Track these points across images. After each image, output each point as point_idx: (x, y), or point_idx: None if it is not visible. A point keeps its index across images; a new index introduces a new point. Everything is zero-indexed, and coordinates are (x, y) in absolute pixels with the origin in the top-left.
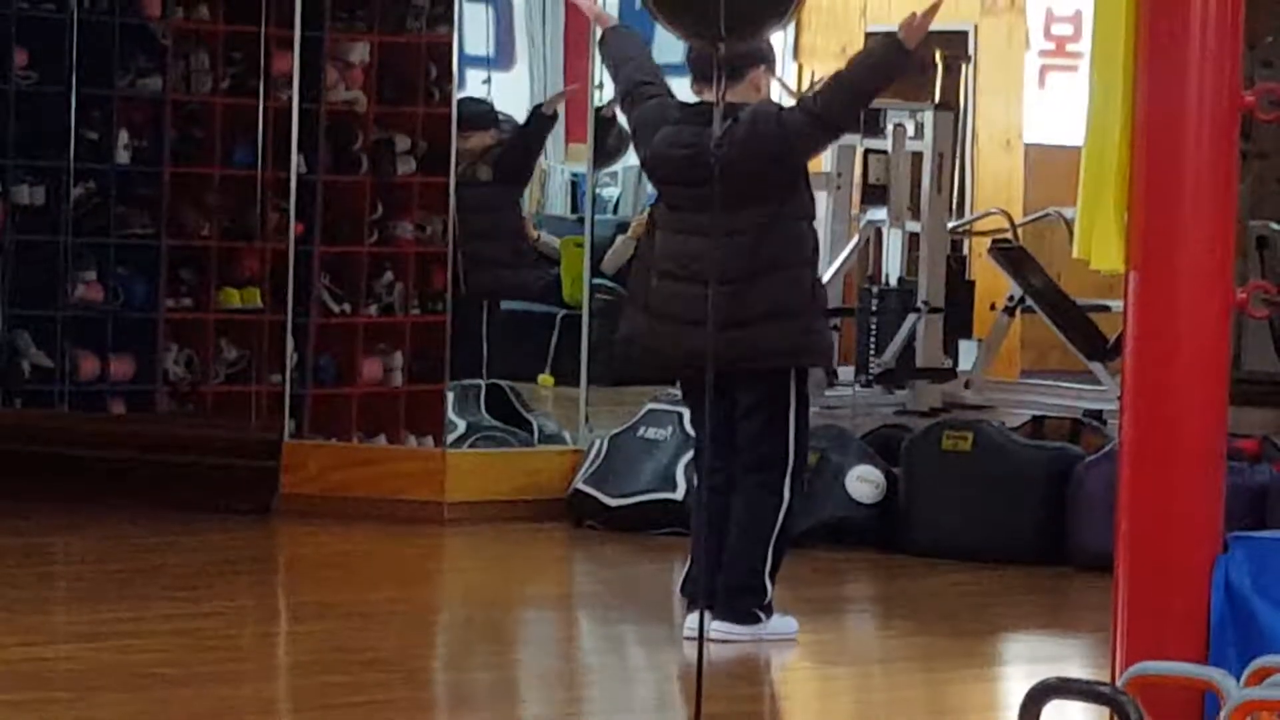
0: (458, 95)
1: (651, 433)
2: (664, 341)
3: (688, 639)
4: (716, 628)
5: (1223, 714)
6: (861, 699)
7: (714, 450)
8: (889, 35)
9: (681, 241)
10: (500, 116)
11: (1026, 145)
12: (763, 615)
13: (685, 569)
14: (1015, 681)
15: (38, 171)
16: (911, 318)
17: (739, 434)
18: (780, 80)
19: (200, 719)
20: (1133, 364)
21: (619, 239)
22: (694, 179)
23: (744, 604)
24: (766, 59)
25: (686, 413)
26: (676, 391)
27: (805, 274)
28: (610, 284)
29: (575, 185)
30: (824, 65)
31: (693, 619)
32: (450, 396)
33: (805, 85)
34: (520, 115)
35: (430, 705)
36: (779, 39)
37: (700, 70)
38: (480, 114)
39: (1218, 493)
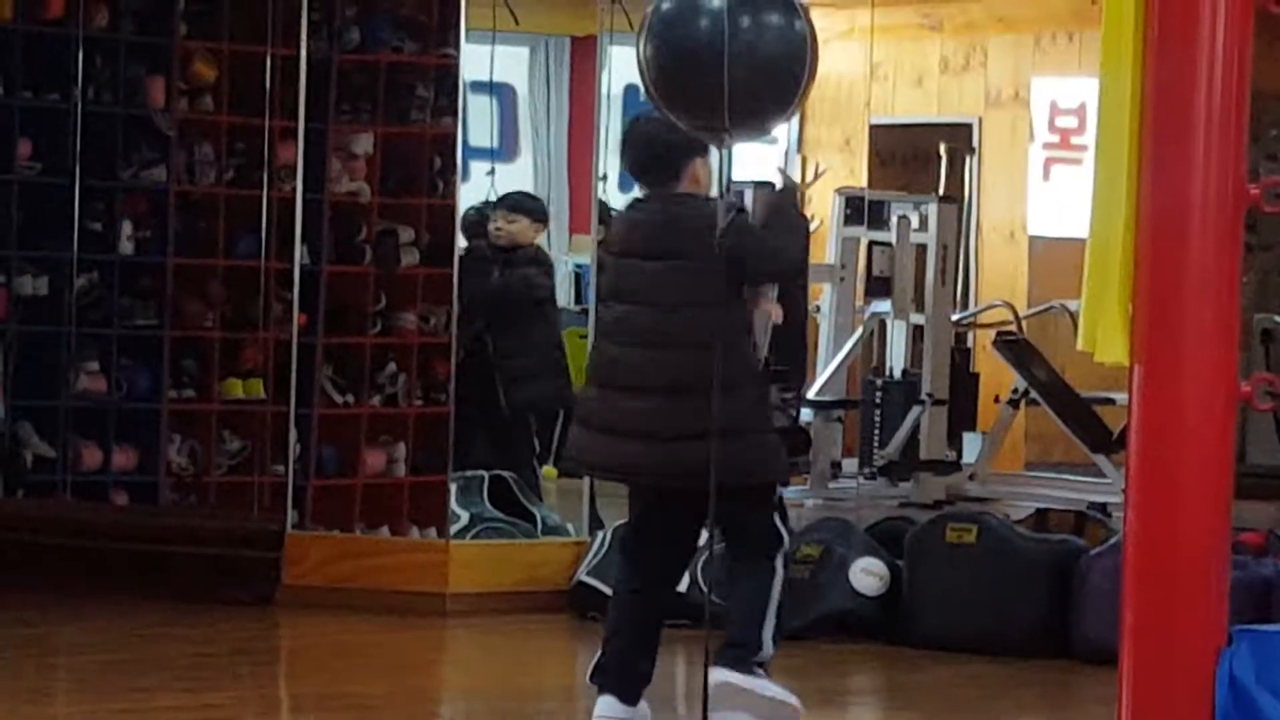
0: (462, 186)
1: None
2: (612, 454)
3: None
4: (715, 674)
5: None
6: None
7: (653, 547)
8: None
9: (629, 354)
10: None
11: (1031, 237)
12: (761, 672)
13: (596, 658)
14: None
15: (41, 262)
16: (916, 410)
17: (729, 529)
18: (782, 170)
19: None
20: (1137, 457)
21: None
22: (644, 260)
23: (741, 657)
24: (700, 150)
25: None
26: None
27: (759, 390)
28: None
29: (579, 276)
30: (827, 157)
31: (603, 702)
32: (453, 488)
33: (810, 176)
34: None
35: None
36: (784, 131)
37: (630, 166)
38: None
39: (1222, 586)
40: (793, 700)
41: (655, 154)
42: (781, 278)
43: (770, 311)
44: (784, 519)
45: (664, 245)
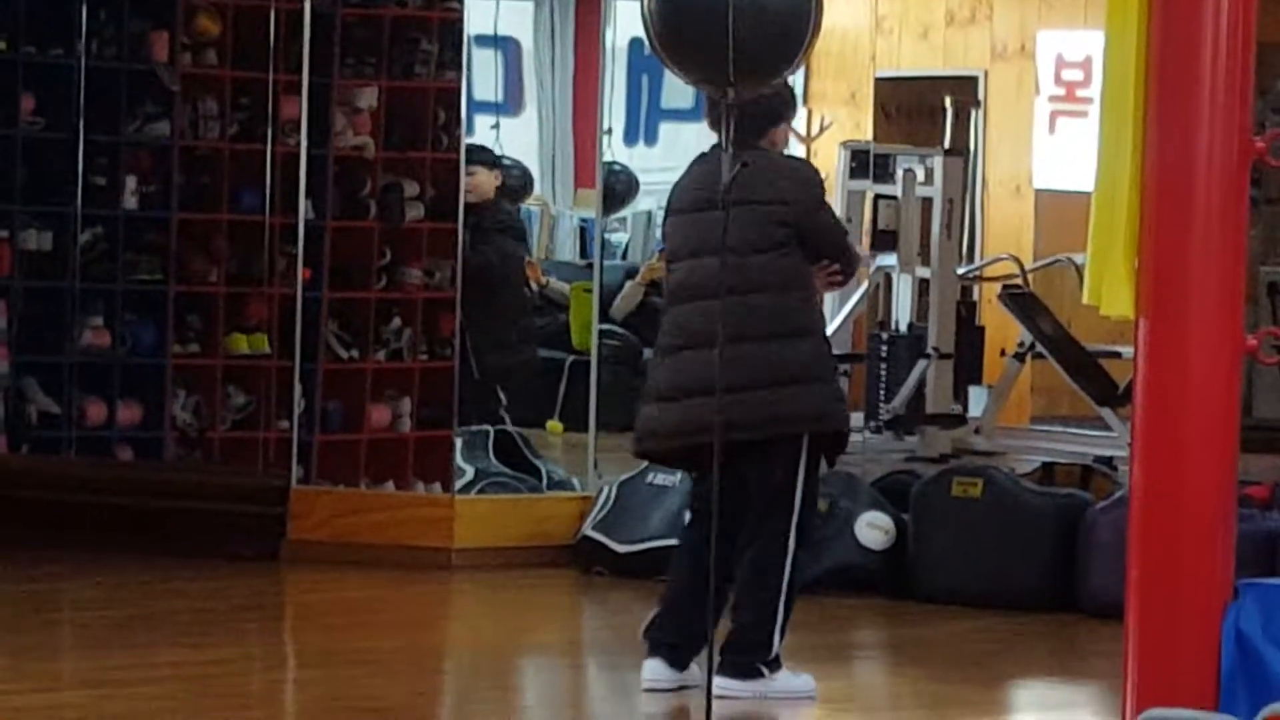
0: (467, 140)
1: (660, 479)
2: (670, 417)
3: (647, 690)
4: (719, 684)
5: None
6: None
7: (709, 513)
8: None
9: (689, 308)
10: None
11: (1036, 191)
12: (766, 671)
13: (653, 613)
14: None
15: (45, 217)
16: (921, 364)
17: (753, 488)
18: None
19: None
20: (1143, 410)
21: (628, 285)
22: (702, 218)
23: (747, 659)
24: (784, 116)
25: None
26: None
27: (815, 341)
28: (619, 330)
29: (584, 231)
30: (833, 110)
31: (651, 665)
32: (459, 443)
33: (815, 129)
34: (531, 161)
35: None
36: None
37: (711, 115)
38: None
39: (1228, 539)
40: (804, 689)
41: (745, 115)
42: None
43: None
44: (816, 490)
45: (725, 194)
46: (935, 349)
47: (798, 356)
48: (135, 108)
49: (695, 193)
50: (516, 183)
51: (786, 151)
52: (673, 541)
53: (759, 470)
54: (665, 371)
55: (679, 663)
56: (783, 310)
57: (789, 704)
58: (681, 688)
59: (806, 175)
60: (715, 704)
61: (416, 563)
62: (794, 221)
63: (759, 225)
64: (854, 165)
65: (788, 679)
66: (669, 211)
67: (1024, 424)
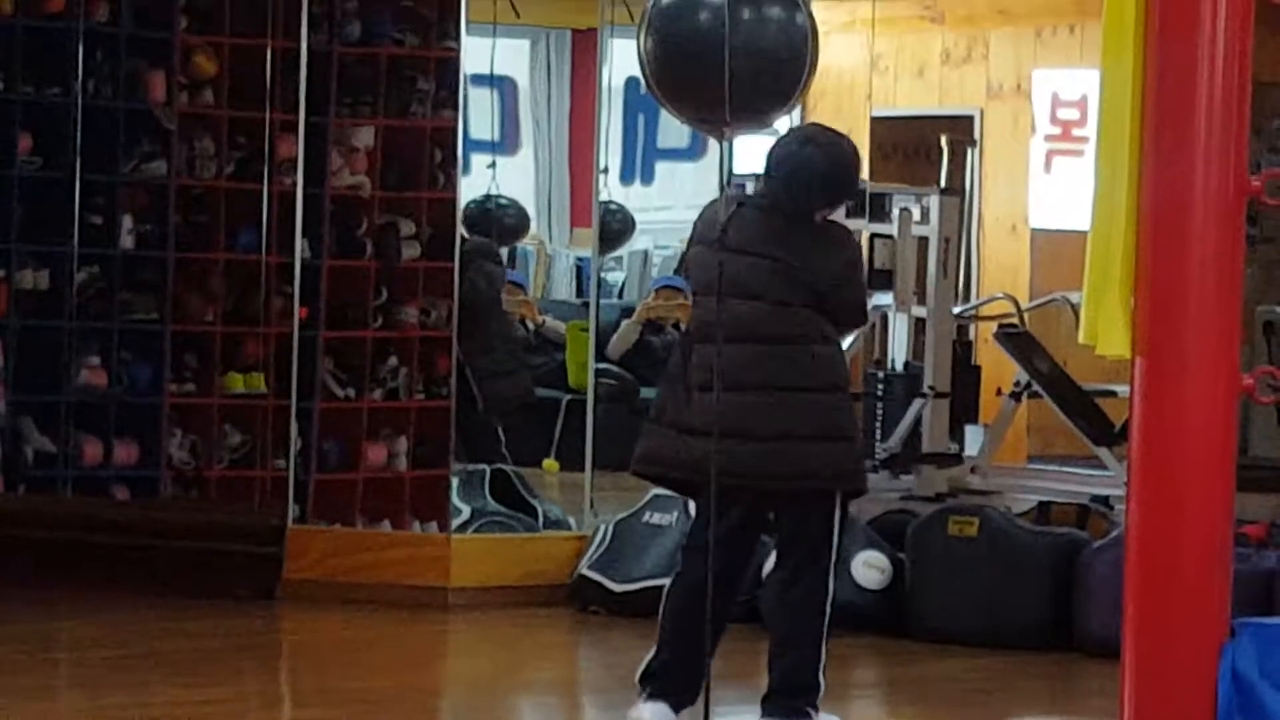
0: (463, 180)
1: (656, 518)
2: (696, 453)
3: None
4: None
5: None
6: None
7: (719, 554)
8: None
9: (728, 348)
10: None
11: (1032, 230)
12: (813, 713)
13: (651, 658)
14: None
15: (42, 256)
16: (917, 403)
17: (788, 535)
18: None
19: None
20: (1139, 449)
21: (624, 324)
22: (750, 261)
23: (800, 702)
24: (833, 204)
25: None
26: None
27: (848, 397)
28: (615, 369)
29: (580, 270)
30: None
31: (651, 709)
32: (455, 482)
33: None
34: (528, 200)
35: None
36: (785, 123)
37: (777, 186)
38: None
39: (1225, 578)
40: None
41: (796, 191)
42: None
43: None
44: (843, 531)
45: (765, 246)
46: (931, 388)
47: (834, 411)
48: (132, 147)
49: (735, 232)
50: (513, 221)
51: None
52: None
53: (794, 519)
54: (697, 406)
55: (679, 708)
56: (823, 363)
57: None
58: None
59: (849, 242)
60: None
61: (413, 602)
62: (825, 289)
63: (801, 280)
64: (850, 204)
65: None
66: (697, 242)
67: (1020, 463)
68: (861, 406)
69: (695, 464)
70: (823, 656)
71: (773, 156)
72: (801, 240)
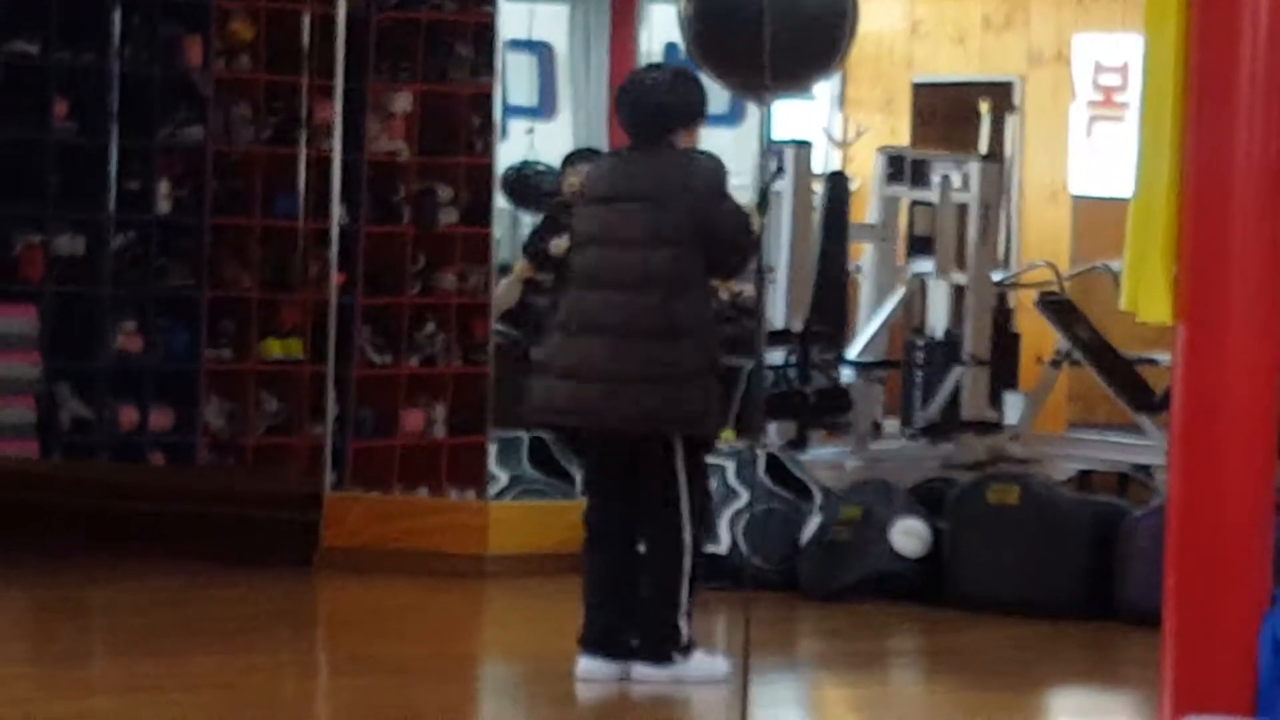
0: (501, 145)
1: None
2: (558, 397)
3: (580, 680)
4: (636, 670)
5: None
6: None
7: (606, 503)
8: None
9: (593, 296)
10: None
11: (1073, 197)
12: (679, 657)
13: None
14: None
15: (78, 222)
16: (957, 370)
17: (638, 479)
18: (826, 131)
19: None
20: (1181, 417)
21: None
22: (617, 209)
23: (658, 650)
24: (687, 121)
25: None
26: (722, 445)
27: (700, 342)
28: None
29: None
30: (869, 116)
31: (585, 663)
32: (492, 449)
33: (851, 135)
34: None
35: None
36: (825, 89)
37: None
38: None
39: (1266, 547)
40: (717, 671)
41: (640, 118)
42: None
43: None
44: (704, 477)
45: (631, 188)
46: (971, 355)
47: (676, 356)
48: (169, 112)
49: (609, 183)
50: (550, 187)
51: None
52: (707, 550)
53: (642, 464)
54: (562, 352)
55: (615, 656)
56: (670, 309)
57: (826, 705)
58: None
59: (710, 166)
60: (635, 688)
61: (450, 569)
62: (695, 211)
63: (667, 215)
64: (890, 171)
65: (702, 661)
66: (582, 200)
67: (1061, 431)
68: (899, 375)
69: (556, 408)
70: (682, 609)
71: (620, 95)
72: (660, 173)
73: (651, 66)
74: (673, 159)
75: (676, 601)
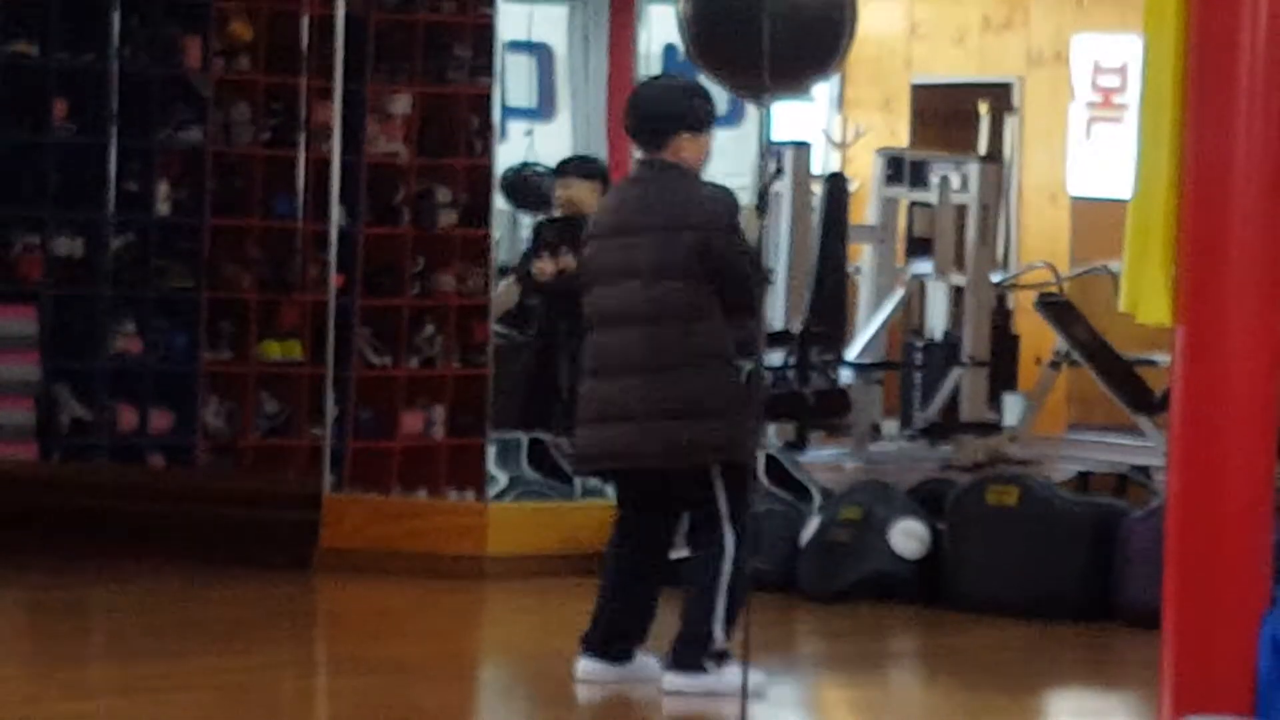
0: (500, 146)
1: None
2: (593, 443)
3: (580, 681)
4: (667, 680)
5: None
6: None
7: (637, 514)
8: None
9: (609, 335)
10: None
11: (1072, 198)
12: (710, 666)
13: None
14: None
15: (77, 223)
16: (956, 371)
17: (682, 506)
18: (825, 132)
19: None
20: (1180, 418)
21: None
22: (625, 242)
23: (690, 655)
24: (688, 126)
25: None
26: None
27: (729, 369)
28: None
29: None
30: (868, 116)
31: (580, 664)
32: (492, 450)
33: (850, 136)
34: None
35: None
36: (824, 90)
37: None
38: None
39: (1266, 548)
40: (762, 683)
41: (643, 121)
42: (744, 312)
43: None
44: (746, 494)
45: (635, 221)
46: (970, 356)
47: (704, 386)
48: (168, 113)
49: (616, 216)
50: (550, 189)
51: (705, 169)
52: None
53: (680, 494)
54: (589, 397)
55: (618, 659)
56: (691, 340)
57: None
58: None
59: (719, 197)
60: (634, 690)
61: (449, 570)
62: (700, 248)
63: (672, 249)
64: (889, 172)
65: (732, 673)
66: (590, 236)
67: (1060, 432)
68: (898, 376)
69: (594, 455)
70: (718, 615)
71: (627, 102)
72: (666, 203)
73: (660, 75)
74: (682, 188)
75: (712, 608)
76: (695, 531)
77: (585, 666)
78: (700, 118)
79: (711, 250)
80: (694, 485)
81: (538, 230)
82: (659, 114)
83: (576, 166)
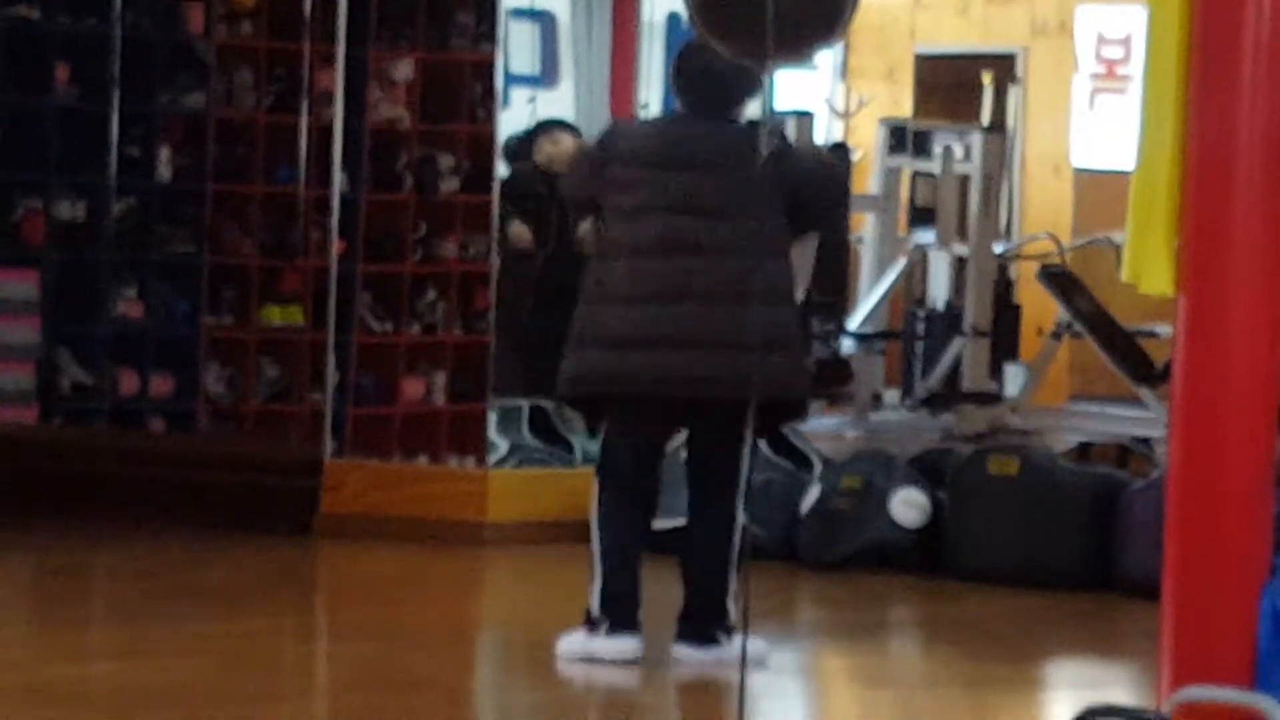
0: (503, 113)
1: None
2: (644, 369)
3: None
4: (679, 651)
5: None
6: None
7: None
8: None
9: (653, 265)
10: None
11: (1075, 169)
12: (724, 638)
13: (599, 591)
14: (1061, 707)
15: (79, 188)
16: (958, 341)
17: (700, 460)
18: (828, 101)
19: None
20: (1181, 389)
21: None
22: (685, 178)
23: (707, 628)
24: (750, 95)
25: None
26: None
27: (795, 308)
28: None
29: None
30: (871, 86)
31: (624, 642)
32: (492, 416)
33: (853, 105)
34: None
35: None
36: (827, 60)
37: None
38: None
39: (1267, 519)
40: (764, 653)
41: (713, 86)
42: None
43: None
44: (783, 439)
45: (696, 154)
46: (972, 327)
47: (784, 319)
48: (170, 79)
49: (673, 150)
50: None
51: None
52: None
53: (716, 434)
54: (603, 320)
55: (638, 629)
56: (768, 273)
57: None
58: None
59: (835, 164)
60: (676, 671)
61: (449, 536)
62: (786, 175)
63: (751, 185)
64: (892, 141)
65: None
66: (622, 163)
67: (1061, 403)
68: (900, 346)
69: (621, 376)
70: (731, 584)
71: (685, 74)
72: (730, 140)
73: (704, 44)
74: (751, 135)
75: (726, 584)
76: (701, 501)
77: (622, 644)
78: (758, 88)
79: (797, 178)
80: (737, 424)
81: (506, 181)
82: (728, 81)
83: (562, 125)
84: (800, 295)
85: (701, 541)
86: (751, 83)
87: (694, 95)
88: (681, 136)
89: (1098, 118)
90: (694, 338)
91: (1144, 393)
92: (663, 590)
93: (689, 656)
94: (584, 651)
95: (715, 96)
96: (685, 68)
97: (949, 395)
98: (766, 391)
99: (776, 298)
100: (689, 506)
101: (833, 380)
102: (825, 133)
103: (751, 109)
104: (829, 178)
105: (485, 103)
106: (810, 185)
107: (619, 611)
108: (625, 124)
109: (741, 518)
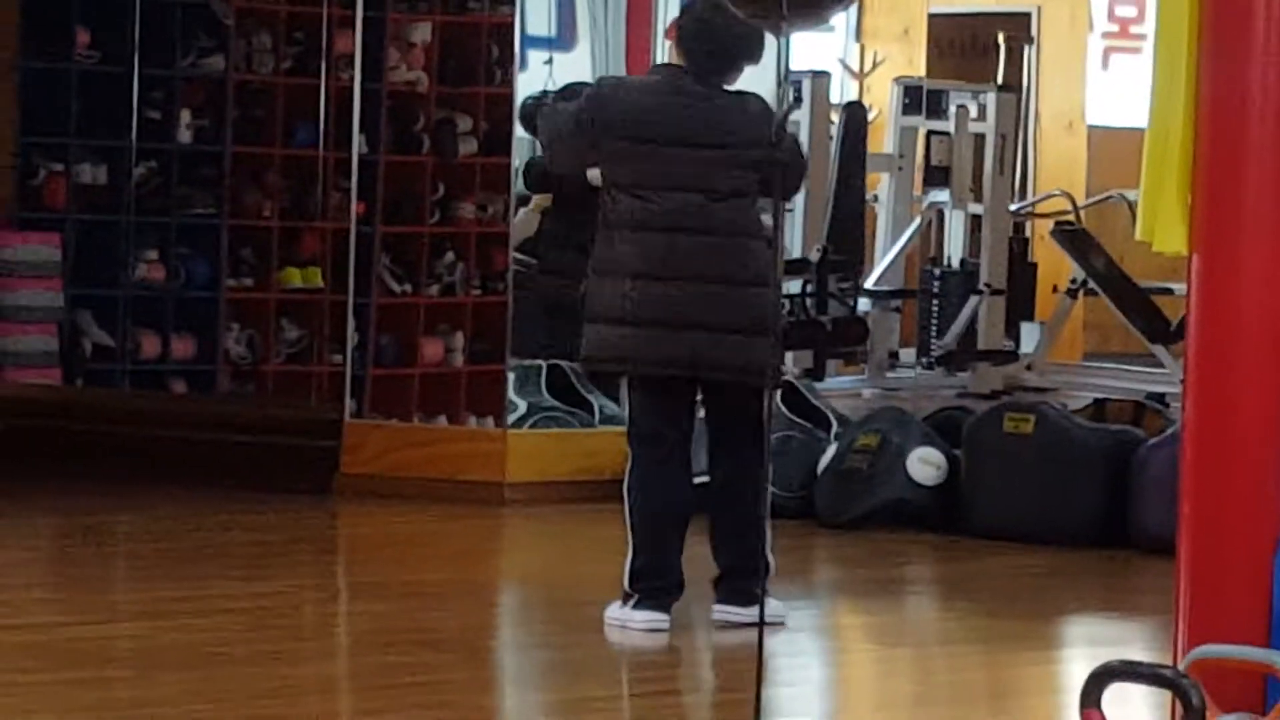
0: (520, 76)
1: None
2: (652, 348)
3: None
4: (721, 611)
5: None
6: (922, 680)
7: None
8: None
9: (673, 238)
10: None
11: (1089, 127)
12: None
13: (631, 561)
14: (1076, 664)
15: (100, 151)
16: (973, 300)
17: (725, 430)
18: (843, 61)
19: (260, 698)
20: (1195, 346)
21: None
22: (684, 154)
23: (750, 587)
24: (754, 60)
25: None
26: None
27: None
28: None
29: None
30: (886, 46)
31: (654, 617)
32: (511, 377)
33: (868, 65)
34: None
35: (490, 684)
36: (842, 20)
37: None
38: None
39: None
40: (783, 613)
41: (723, 48)
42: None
43: None
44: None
45: (699, 131)
46: (987, 285)
47: (766, 306)
48: (190, 42)
49: (674, 124)
50: None
51: None
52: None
53: (734, 406)
54: (647, 300)
55: (670, 609)
56: (757, 258)
57: (839, 633)
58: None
59: (767, 108)
60: (705, 632)
61: (468, 497)
62: (776, 161)
63: (743, 166)
64: (907, 101)
65: (776, 604)
66: (619, 135)
67: (1076, 360)
68: (916, 304)
69: (639, 354)
70: (768, 539)
71: (688, 30)
72: (732, 118)
73: (716, 5)
74: (741, 104)
75: (764, 537)
76: (738, 459)
77: (647, 618)
78: (762, 52)
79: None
80: (746, 399)
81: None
82: (737, 43)
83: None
84: (815, 255)
85: (727, 501)
86: (756, 45)
87: (705, 52)
88: (678, 110)
89: (1111, 76)
90: (698, 319)
91: (1159, 350)
92: (703, 546)
93: (733, 616)
94: (619, 619)
95: (718, 59)
96: (696, 25)
97: (965, 353)
98: (756, 376)
99: (766, 280)
100: (709, 463)
101: (849, 339)
102: (840, 92)
103: (759, 71)
104: (804, 166)
105: (503, 65)
106: (792, 171)
107: (648, 587)
108: (614, 86)
109: (768, 476)
